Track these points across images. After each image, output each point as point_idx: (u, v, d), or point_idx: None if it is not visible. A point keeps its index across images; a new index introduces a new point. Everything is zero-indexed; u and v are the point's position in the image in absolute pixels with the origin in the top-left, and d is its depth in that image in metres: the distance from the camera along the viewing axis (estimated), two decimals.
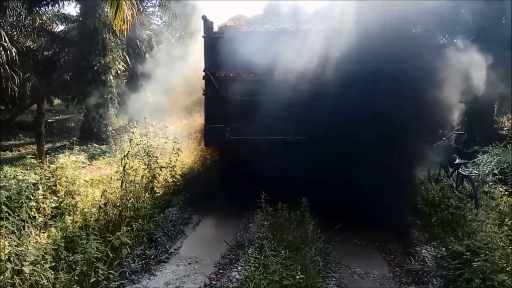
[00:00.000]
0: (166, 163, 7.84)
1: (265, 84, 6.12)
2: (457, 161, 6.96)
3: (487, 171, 8.12)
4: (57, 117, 21.84)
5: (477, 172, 7.56)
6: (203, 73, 6.53)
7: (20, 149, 14.44)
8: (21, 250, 4.00)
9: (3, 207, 4.46)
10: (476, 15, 9.87)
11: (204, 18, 6.58)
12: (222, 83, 6.44)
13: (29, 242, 4.33)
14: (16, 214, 4.79)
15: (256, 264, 4.27)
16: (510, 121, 13.63)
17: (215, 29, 6.89)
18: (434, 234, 5.66)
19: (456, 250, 4.75)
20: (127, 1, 11.00)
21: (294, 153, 5.81)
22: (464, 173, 6.79)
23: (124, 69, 16.02)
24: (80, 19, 15.29)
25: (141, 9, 17.61)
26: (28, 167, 7.50)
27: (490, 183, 7.52)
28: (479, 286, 3.98)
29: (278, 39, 6.30)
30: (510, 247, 4.54)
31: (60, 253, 4.22)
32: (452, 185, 6.95)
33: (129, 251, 4.76)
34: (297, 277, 3.91)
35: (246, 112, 6.16)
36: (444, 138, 7.55)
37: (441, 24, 7.33)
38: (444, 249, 5.05)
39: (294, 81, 6.01)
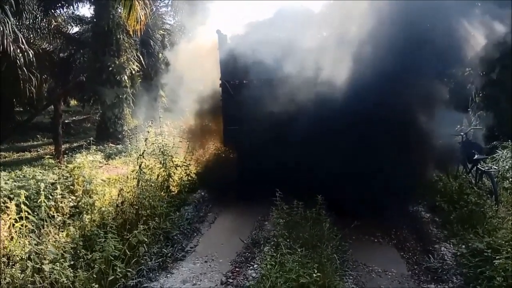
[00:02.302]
0: (181, 161, 7.88)
1: (274, 89, 6.57)
2: (476, 156, 6.81)
3: (507, 167, 7.92)
4: (74, 118, 22.15)
5: (496, 167, 7.40)
6: (220, 81, 7.13)
7: (38, 150, 14.68)
8: (41, 249, 4.07)
9: (23, 206, 4.52)
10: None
11: (218, 32, 7.21)
12: (237, 89, 7.04)
13: (49, 241, 4.40)
14: (35, 213, 4.88)
15: (272, 262, 4.24)
16: None
17: (228, 40, 7.43)
18: (453, 231, 5.52)
19: (477, 247, 4.65)
20: (140, 1, 11.10)
21: (304, 151, 5.89)
22: (483, 169, 6.66)
23: (138, 69, 16.16)
24: (94, 20, 15.44)
25: (154, 9, 17.72)
26: (46, 167, 7.63)
27: (511, 179, 7.34)
28: (501, 284, 3.87)
29: (287, 47, 6.69)
30: None
31: (78, 251, 4.26)
32: (471, 181, 6.82)
33: (146, 249, 4.79)
34: (314, 275, 3.87)
35: (259, 114, 6.53)
36: (462, 133, 7.42)
37: None
38: (463, 246, 4.95)
39: (301, 84, 6.38)
